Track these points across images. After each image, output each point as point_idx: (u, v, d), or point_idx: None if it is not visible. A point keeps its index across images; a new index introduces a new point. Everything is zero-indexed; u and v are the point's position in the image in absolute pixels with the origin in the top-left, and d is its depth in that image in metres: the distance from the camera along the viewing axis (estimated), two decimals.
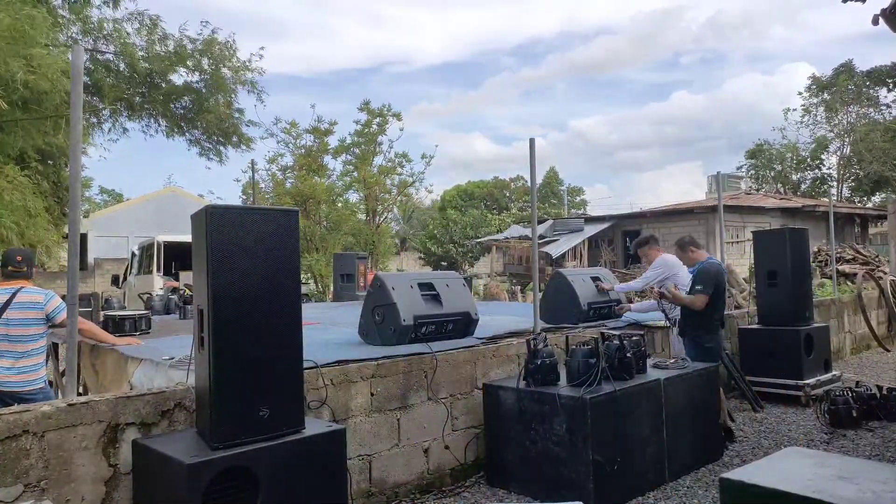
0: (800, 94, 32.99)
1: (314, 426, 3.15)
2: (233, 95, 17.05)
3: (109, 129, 16.55)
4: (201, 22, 16.30)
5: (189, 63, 15.78)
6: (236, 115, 17.42)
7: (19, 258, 4.48)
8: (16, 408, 2.94)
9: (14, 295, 4.27)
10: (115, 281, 15.98)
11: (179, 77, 16.10)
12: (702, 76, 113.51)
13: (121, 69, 15.14)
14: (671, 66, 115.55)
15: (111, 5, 14.61)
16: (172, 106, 16.41)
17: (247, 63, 16.79)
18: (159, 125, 16.97)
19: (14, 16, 8.78)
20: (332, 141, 24.86)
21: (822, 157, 32.93)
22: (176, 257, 13.27)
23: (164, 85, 15.72)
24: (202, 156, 18.01)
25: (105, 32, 14.70)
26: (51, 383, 6.65)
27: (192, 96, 16.43)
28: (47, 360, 6.16)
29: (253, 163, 12.93)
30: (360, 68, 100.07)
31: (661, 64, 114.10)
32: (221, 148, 18.09)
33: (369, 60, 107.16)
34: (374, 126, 24.99)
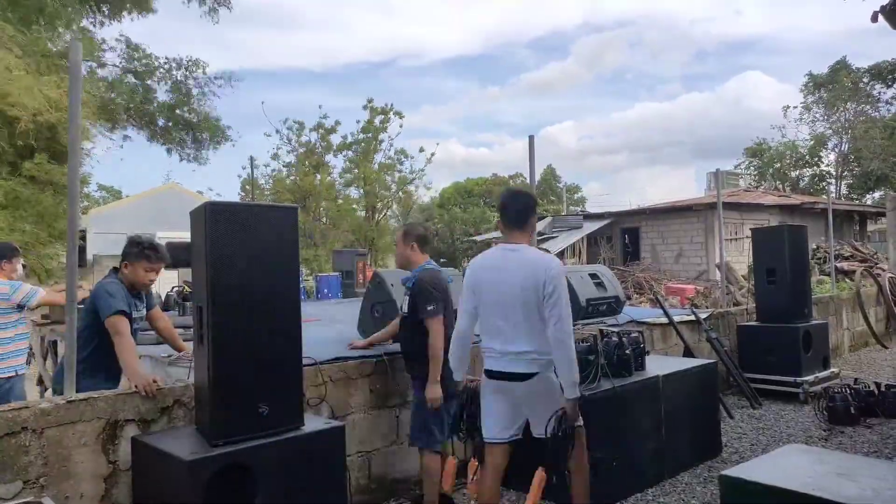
0: (801, 90, 33.11)
1: (313, 423, 3.15)
2: (204, 99, 18.45)
3: (112, 132, 17.54)
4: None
5: (159, 74, 17.15)
6: (217, 121, 18.78)
7: None
8: (15, 404, 2.94)
9: None
10: None
11: (160, 92, 17.63)
12: (661, 84, 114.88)
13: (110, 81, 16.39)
14: (616, 81, 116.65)
15: (108, 18, 15.66)
16: (157, 124, 17.82)
17: (213, 78, 18.44)
18: (142, 134, 18.31)
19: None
20: (335, 139, 24.95)
21: (821, 153, 32.99)
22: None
23: (152, 103, 17.08)
24: (182, 160, 19.29)
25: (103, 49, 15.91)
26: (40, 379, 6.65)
27: (169, 112, 17.85)
28: (46, 356, 6.16)
29: (252, 159, 12.97)
30: (373, 62, 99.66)
31: (608, 79, 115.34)
32: (200, 152, 19.30)
33: (381, 54, 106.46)
34: (377, 123, 25.08)
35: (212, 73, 18.81)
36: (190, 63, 18.04)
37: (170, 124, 18.33)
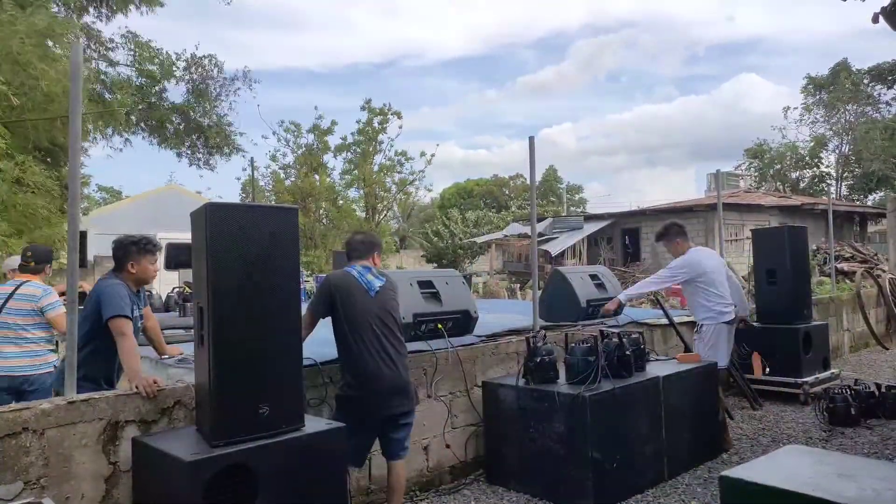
0: (801, 92, 33.14)
1: (314, 424, 3.14)
2: (221, 103, 18.21)
3: (112, 137, 17.30)
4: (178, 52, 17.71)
5: (176, 74, 16.91)
6: (229, 126, 18.54)
7: (28, 253, 4.75)
8: (15, 405, 2.94)
9: (17, 288, 4.54)
10: None
11: (173, 91, 17.36)
12: (654, 87, 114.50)
13: (117, 79, 16.04)
14: (614, 83, 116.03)
15: (104, 20, 15.37)
16: (167, 128, 17.56)
17: (231, 79, 18.18)
18: (151, 139, 18.12)
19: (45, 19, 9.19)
20: (334, 140, 24.97)
21: (821, 154, 32.99)
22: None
23: (162, 104, 16.80)
24: (192, 165, 19.12)
25: (107, 46, 15.51)
26: None
27: (181, 116, 17.53)
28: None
29: (252, 161, 12.98)
30: (375, 62, 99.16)
31: (606, 81, 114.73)
32: (211, 158, 19.10)
33: (384, 55, 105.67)
34: (376, 124, 25.10)
35: (228, 74, 18.33)
36: (205, 59, 17.50)
37: (181, 127, 17.97)
